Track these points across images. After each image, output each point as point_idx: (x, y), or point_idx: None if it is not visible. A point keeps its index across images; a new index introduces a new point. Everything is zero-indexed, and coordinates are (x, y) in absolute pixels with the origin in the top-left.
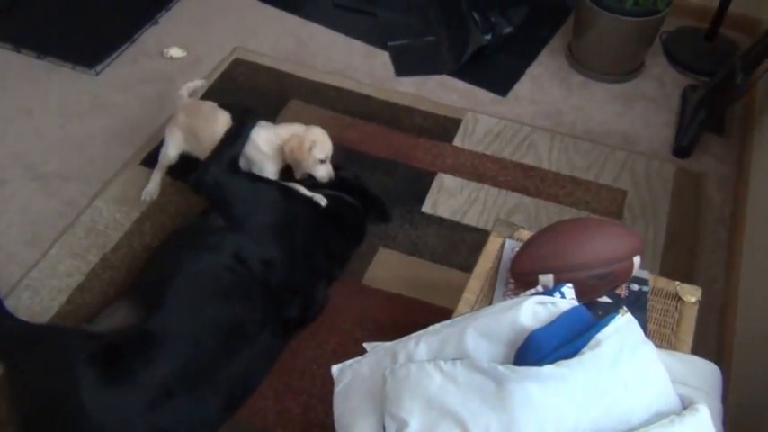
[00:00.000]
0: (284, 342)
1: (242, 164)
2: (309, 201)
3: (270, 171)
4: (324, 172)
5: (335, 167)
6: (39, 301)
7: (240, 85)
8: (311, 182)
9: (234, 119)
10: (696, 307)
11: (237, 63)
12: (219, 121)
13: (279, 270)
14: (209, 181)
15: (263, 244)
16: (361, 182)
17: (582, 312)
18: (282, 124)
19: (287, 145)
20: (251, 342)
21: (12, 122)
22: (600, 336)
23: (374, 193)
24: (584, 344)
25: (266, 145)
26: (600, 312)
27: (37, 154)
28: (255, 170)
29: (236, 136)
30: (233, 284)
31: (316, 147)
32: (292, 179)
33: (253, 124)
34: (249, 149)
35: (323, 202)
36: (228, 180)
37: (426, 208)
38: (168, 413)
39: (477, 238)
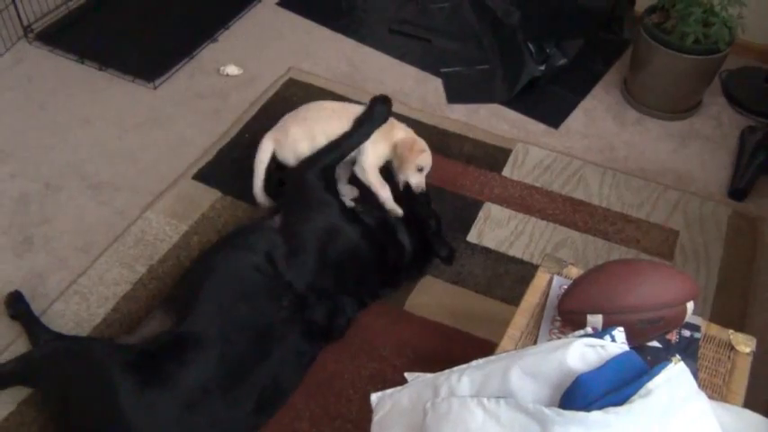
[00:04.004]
0: (314, 349)
1: None
2: (365, 230)
3: (371, 155)
4: (419, 180)
5: (432, 211)
6: (86, 307)
7: (293, 104)
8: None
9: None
10: (750, 358)
11: (291, 83)
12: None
13: (306, 274)
14: (300, 177)
15: (299, 248)
16: (439, 232)
17: (633, 358)
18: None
19: (401, 140)
20: (280, 342)
21: (71, 131)
22: (651, 384)
23: (447, 241)
24: (634, 391)
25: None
26: (648, 357)
27: (93, 163)
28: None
29: (347, 140)
30: (260, 283)
31: (422, 155)
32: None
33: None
34: None
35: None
36: (310, 184)
37: (472, 237)
38: (205, 413)
39: (522, 270)
